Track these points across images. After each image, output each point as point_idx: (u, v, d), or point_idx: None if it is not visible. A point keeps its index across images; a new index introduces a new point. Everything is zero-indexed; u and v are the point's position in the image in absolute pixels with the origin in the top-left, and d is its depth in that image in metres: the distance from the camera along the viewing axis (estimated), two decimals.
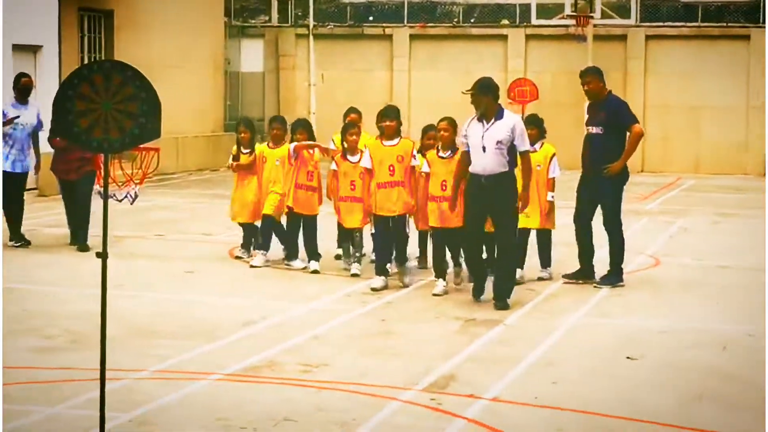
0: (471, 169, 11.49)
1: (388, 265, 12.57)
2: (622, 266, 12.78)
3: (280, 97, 33.34)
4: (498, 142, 11.28)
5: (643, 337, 10.22)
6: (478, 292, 11.78)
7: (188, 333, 10.11)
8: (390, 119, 12.48)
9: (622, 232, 12.76)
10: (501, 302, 11.42)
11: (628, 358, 9.46)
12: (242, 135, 14.19)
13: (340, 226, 13.59)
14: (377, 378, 8.66)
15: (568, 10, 28.86)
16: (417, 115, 28.18)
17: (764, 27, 30.04)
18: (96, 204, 18.85)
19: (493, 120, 11.38)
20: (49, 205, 20.53)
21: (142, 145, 8.29)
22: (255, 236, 14.10)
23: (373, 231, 12.52)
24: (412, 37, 32.65)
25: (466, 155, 11.57)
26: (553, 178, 12.76)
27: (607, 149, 12.45)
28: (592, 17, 28.72)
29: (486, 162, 11.36)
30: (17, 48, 21.53)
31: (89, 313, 10.40)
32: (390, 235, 12.42)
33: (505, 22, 32.40)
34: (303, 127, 13.75)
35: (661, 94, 31.20)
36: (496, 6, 33.08)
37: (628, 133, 12.54)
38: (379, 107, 13.07)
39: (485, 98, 11.41)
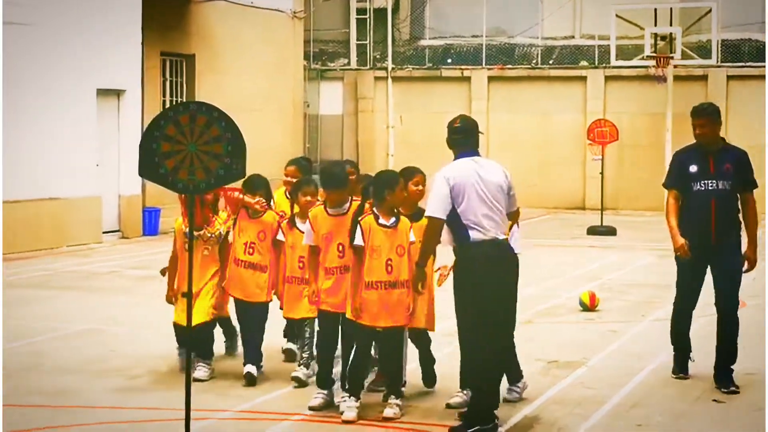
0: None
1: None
2: None
3: (359, 140, 33.49)
4: None
5: None
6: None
7: (271, 373, 10.10)
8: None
9: None
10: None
11: (714, 401, 9.30)
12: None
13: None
14: None
15: (647, 51, 28.66)
16: (496, 158, 28.07)
17: None
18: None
19: None
20: (132, 248, 20.78)
21: (226, 186, 8.38)
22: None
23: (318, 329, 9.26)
24: (491, 78, 32.65)
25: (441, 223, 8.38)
26: None
27: (735, 210, 9.84)
28: (672, 58, 28.50)
29: None
30: (101, 92, 21.89)
31: (172, 353, 10.44)
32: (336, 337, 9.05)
33: (584, 63, 32.30)
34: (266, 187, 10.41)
35: (744, 135, 30.77)
36: (574, 48, 32.99)
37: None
38: None
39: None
